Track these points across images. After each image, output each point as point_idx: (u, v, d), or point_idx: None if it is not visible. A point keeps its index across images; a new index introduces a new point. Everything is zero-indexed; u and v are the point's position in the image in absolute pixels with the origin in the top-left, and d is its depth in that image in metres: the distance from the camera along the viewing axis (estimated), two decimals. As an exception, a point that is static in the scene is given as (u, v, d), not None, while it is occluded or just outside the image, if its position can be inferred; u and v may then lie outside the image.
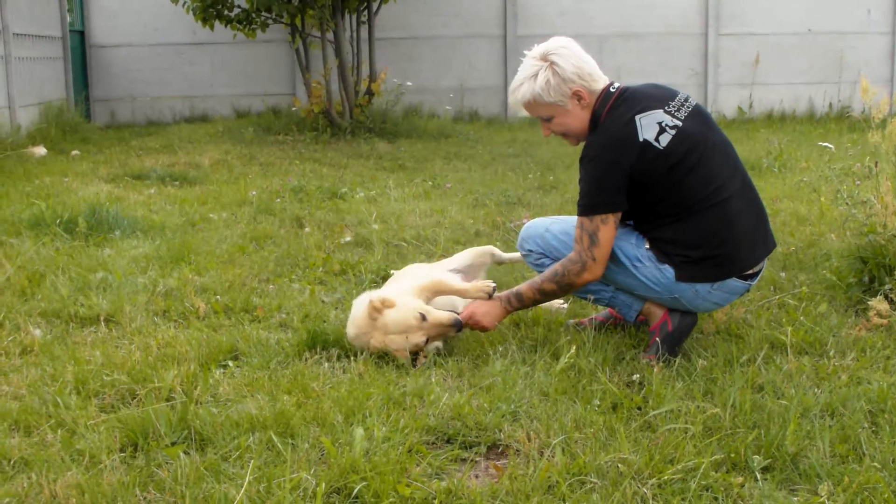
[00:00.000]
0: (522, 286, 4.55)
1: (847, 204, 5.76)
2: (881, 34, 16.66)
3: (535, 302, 4.58)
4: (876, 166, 5.37)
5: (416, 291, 4.63)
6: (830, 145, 8.20)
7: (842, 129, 14.12)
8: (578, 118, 4.40)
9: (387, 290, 4.75)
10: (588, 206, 4.30)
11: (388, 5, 14.56)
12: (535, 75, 4.33)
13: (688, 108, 4.35)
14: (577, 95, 4.33)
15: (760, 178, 9.58)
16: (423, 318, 4.36)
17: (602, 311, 4.96)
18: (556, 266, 4.41)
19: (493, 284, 4.59)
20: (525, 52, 4.47)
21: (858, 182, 7.00)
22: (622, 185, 4.25)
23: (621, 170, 4.22)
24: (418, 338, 4.35)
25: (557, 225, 4.65)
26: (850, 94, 16.20)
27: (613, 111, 4.32)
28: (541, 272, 4.69)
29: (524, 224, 4.86)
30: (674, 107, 4.32)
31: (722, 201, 4.30)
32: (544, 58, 4.35)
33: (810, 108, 16.46)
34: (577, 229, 4.34)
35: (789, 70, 16.54)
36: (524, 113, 4.48)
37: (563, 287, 4.41)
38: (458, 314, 4.51)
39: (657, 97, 4.36)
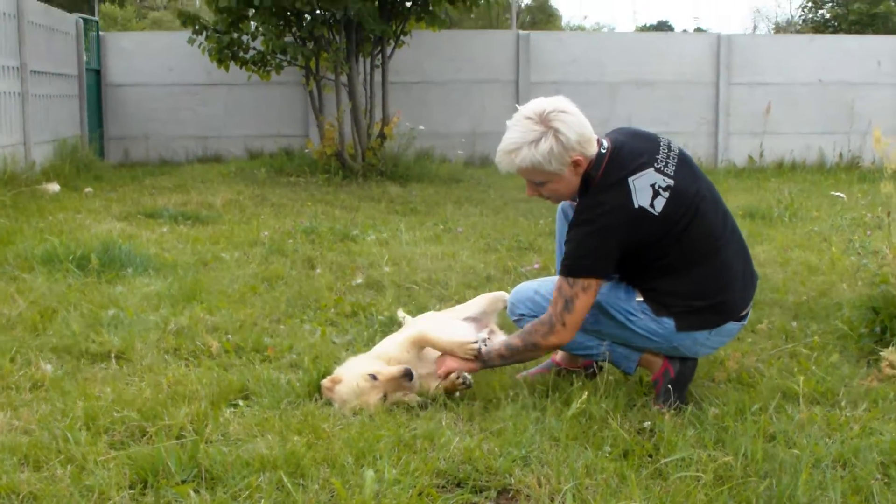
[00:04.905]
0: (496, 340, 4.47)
1: (859, 254, 5.77)
2: (891, 85, 16.79)
3: (502, 357, 4.43)
4: (888, 216, 5.38)
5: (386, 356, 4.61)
6: (842, 195, 8.21)
7: (852, 179, 14.16)
8: (571, 184, 4.25)
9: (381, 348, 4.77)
10: (572, 268, 4.18)
11: (401, 50, 14.68)
12: (537, 141, 4.10)
13: (674, 158, 4.26)
14: (576, 163, 4.16)
15: (771, 227, 9.60)
16: (374, 378, 4.33)
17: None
18: (528, 324, 4.34)
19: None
20: (518, 106, 4.26)
21: (870, 232, 7.01)
22: (612, 254, 4.15)
23: (616, 238, 4.12)
24: (375, 397, 4.29)
25: (546, 286, 4.52)
26: (861, 145, 16.26)
27: (607, 175, 4.18)
28: None
29: (515, 288, 4.73)
30: (662, 161, 4.21)
31: (719, 249, 4.28)
32: (545, 122, 4.12)
33: (821, 157, 16.52)
34: (556, 291, 4.22)
35: (800, 120, 16.61)
36: (510, 170, 4.29)
37: (529, 346, 4.31)
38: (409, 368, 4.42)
39: (646, 153, 4.23)
